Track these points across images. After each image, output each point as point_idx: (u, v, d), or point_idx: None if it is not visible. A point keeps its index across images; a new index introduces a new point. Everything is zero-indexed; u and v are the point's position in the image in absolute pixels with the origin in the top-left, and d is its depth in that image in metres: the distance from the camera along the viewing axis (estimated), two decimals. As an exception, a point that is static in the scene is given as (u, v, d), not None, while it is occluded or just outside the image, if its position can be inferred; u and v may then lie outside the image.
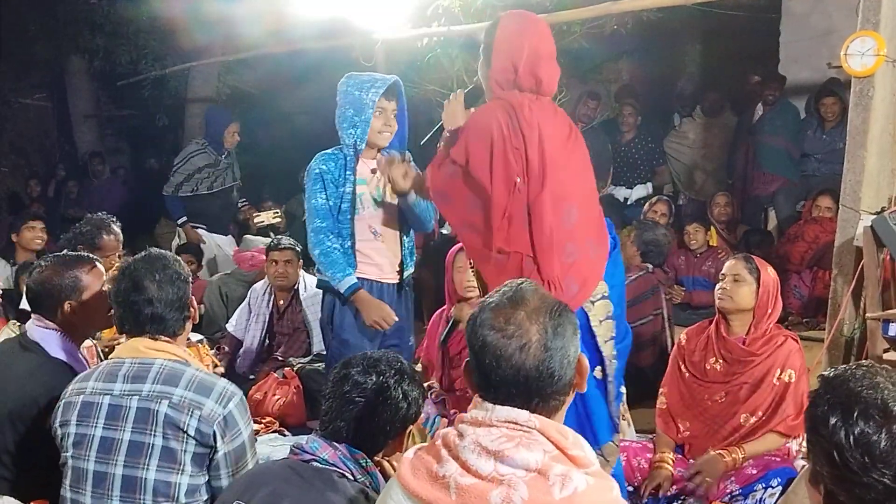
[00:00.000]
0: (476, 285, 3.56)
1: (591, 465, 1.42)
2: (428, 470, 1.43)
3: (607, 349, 2.64)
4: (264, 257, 5.05)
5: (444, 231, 6.01)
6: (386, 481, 1.76)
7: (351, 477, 1.86)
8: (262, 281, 5.02)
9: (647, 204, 5.96)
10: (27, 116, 10.39)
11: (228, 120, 6.52)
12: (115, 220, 4.15)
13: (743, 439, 3.06)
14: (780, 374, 3.06)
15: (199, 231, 6.43)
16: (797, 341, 3.17)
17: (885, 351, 3.58)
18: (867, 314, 3.61)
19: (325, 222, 3.24)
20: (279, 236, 5.20)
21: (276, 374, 4.47)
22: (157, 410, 2.11)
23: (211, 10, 6.80)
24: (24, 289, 2.94)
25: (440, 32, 5.31)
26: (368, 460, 1.91)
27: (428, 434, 3.33)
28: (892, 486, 1.41)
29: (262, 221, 6.44)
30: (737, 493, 2.96)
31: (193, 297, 2.36)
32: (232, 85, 8.94)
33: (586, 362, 1.53)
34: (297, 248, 4.80)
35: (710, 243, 5.67)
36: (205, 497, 2.17)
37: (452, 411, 3.46)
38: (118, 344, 3.76)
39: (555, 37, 2.71)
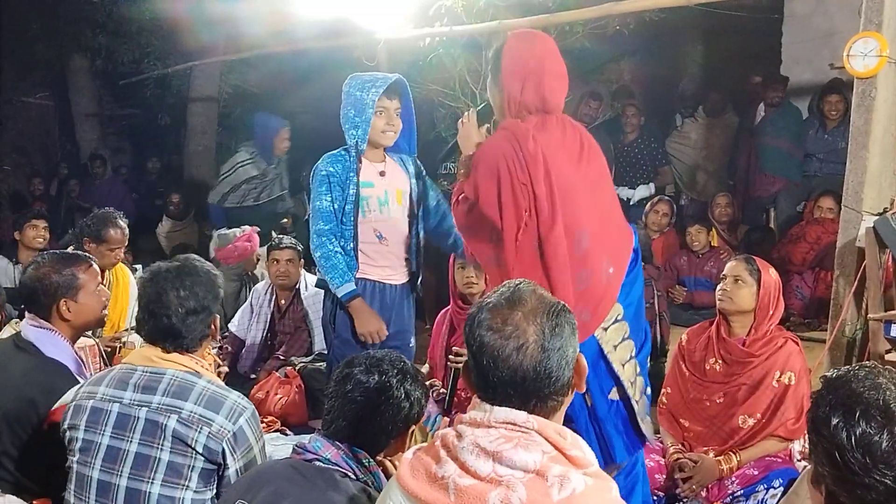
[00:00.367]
0: (476, 280, 3.59)
1: (589, 465, 1.42)
2: (427, 471, 1.43)
3: (627, 371, 2.56)
4: (247, 244, 4.99)
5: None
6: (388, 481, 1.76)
7: (353, 476, 1.85)
8: (264, 281, 5.02)
9: (648, 204, 5.95)
10: (29, 115, 10.39)
11: (279, 125, 6.22)
12: (121, 214, 4.19)
13: (743, 442, 3.06)
14: (780, 377, 3.06)
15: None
16: (798, 343, 3.16)
17: (888, 352, 3.57)
18: (869, 315, 3.60)
19: (329, 225, 3.23)
20: (280, 235, 5.20)
21: (277, 374, 4.49)
22: (166, 425, 2.07)
23: (213, 9, 6.79)
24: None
25: (443, 32, 5.31)
26: (371, 460, 1.90)
27: (429, 433, 3.34)
28: (893, 487, 1.41)
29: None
30: (738, 493, 2.97)
31: (217, 317, 2.30)
32: (234, 84, 8.95)
33: (585, 362, 1.52)
34: (299, 248, 4.79)
35: (712, 244, 5.66)
36: (210, 512, 2.14)
37: (454, 410, 3.46)
38: (118, 344, 3.81)
39: (557, 37, 2.71)
